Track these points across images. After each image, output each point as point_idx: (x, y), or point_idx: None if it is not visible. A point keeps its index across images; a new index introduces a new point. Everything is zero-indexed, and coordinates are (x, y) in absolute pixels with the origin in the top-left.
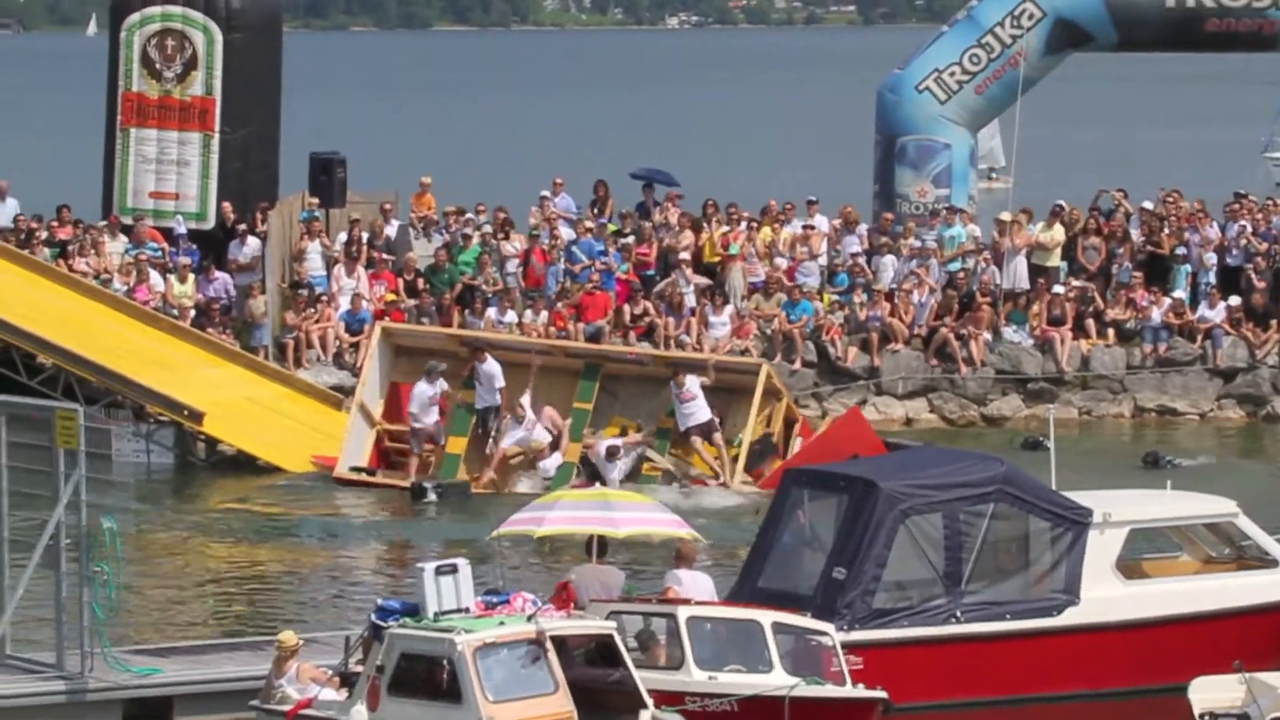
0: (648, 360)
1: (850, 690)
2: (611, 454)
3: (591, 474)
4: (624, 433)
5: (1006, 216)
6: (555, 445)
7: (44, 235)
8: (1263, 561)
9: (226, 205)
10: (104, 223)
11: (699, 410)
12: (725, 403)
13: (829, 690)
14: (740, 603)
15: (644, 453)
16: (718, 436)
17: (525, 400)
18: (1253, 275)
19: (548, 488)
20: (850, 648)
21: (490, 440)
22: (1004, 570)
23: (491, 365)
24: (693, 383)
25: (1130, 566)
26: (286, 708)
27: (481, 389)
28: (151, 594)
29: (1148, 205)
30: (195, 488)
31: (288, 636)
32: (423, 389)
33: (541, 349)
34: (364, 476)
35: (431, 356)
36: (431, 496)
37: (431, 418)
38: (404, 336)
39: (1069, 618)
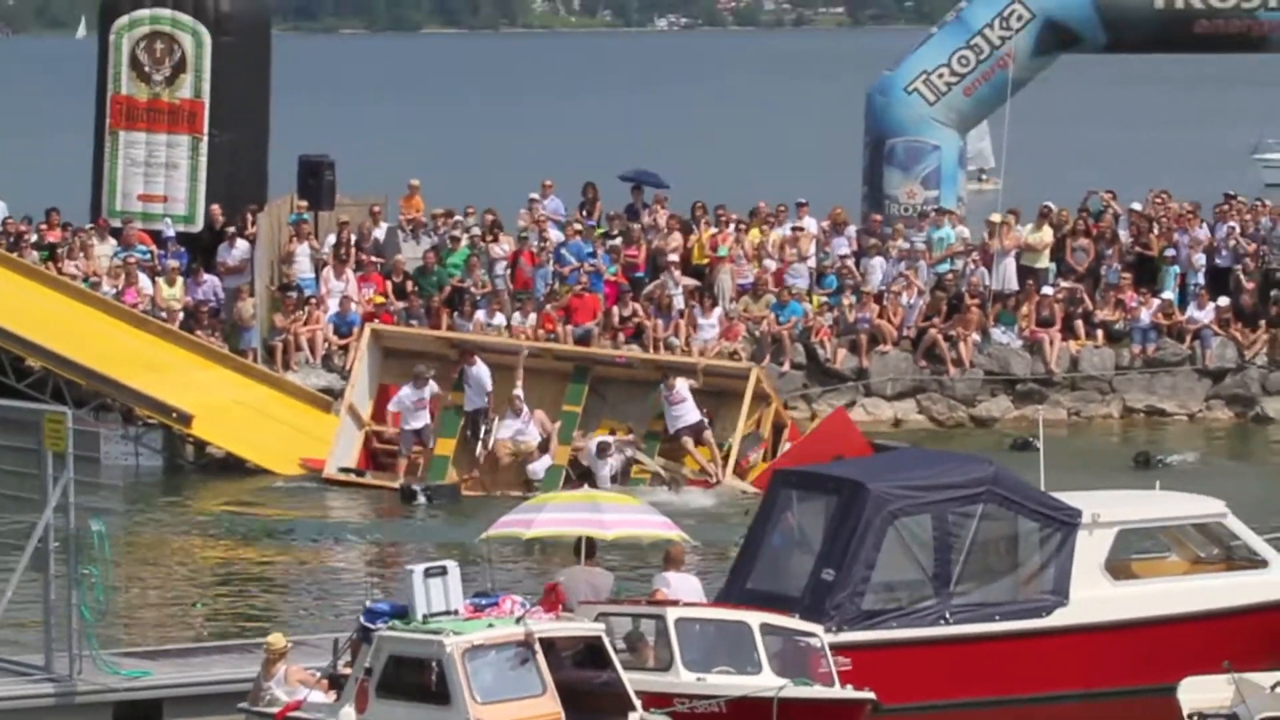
0: (637, 364)
1: (838, 691)
2: (602, 451)
3: (582, 476)
4: (613, 434)
5: (996, 218)
6: (544, 448)
7: (33, 238)
8: (1251, 562)
9: (216, 208)
10: (92, 225)
11: (688, 412)
12: (714, 406)
13: (817, 691)
14: (729, 604)
15: (633, 455)
16: (708, 435)
17: (518, 392)
18: (1241, 276)
19: (536, 490)
20: (839, 649)
21: (479, 442)
22: (993, 571)
23: (480, 369)
24: (682, 385)
25: (1119, 567)
26: (275, 710)
27: (470, 391)
28: (140, 596)
29: (1136, 206)
30: (184, 490)
31: (276, 639)
32: (407, 394)
33: (531, 350)
34: (353, 477)
35: (420, 359)
36: (421, 499)
37: (420, 421)
38: (393, 339)
39: (1058, 618)
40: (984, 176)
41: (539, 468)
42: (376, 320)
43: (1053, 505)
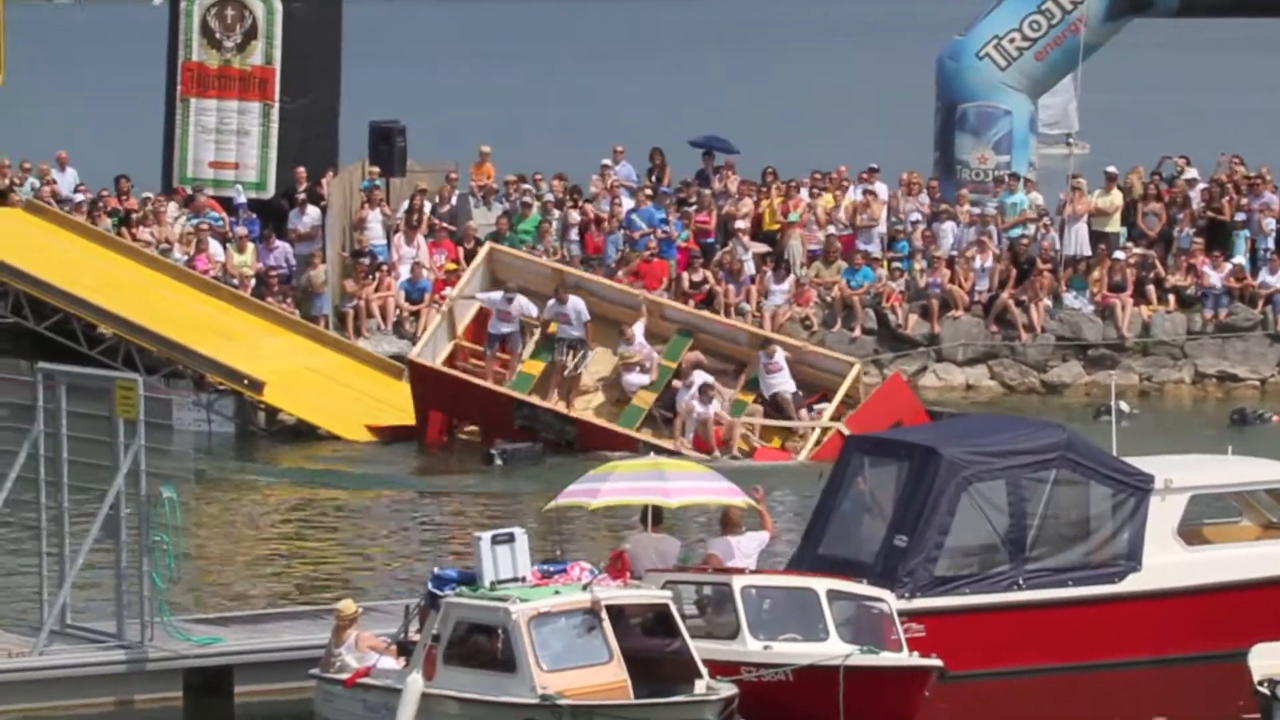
0: (743, 338)
1: (906, 658)
2: (704, 392)
3: (665, 421)
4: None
5: (1082, 181)
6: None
7: (107, 205)
8: None
9: (301, 171)
10: (164, 194)
11: (784, 381)
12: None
13: (883, 659)
14: (798, 570)
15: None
16: (799, 410)
17: (638, 327)
18: None
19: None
20: (913, 615)
21: (571, 366)
22: (1066, 537)
23: (576, 301)
24: (780, 355)
25: (1191, 532)
26: (345, 676)
27: (564, 325)
28: (211, 563)
29: (1192, 175)
30: (256, 457)
31: (346, 605)
32: (496, 298)
33: (647, 301)
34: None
35: (527, 289)
36: (499, 461)
37: (506, 328)
38: (507, 262)
39: (1131, 584)
40: (1072, 141)
41: (635, 380)
42: (448, 288)
43: (1125, 471)
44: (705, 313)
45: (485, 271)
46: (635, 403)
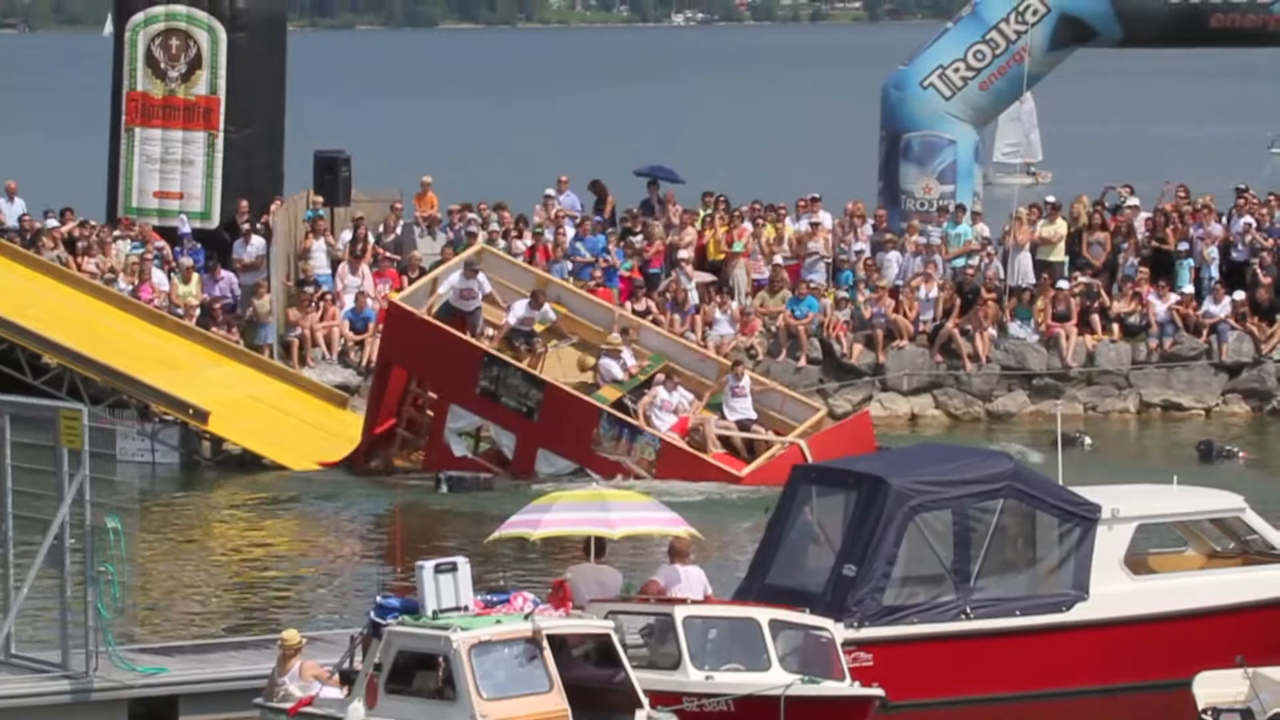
0: (713, 370)
1: (846, 688)
2: (671, 378)
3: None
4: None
5: (1022, 212)
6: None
7: (53, 234)
8: (1269, 556)
9: (244, 204)
10: (110, 223)
11: (747, 409)
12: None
13: (824, 689)
14: (741, 600)
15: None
16: (755, 434)
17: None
18: (1258, 270)
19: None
20: (861, 644)
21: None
22: (1013, 566)
23: (548, 309)
24: (747, 380)
25: (1137, 561)
26: (289, 705)
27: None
28: (156, 593)
29: (1134, 203)
30: (200, 487)
31: (290, 635)
32: (456, 279)
33: (622, 320)
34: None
35: (509, 291)
36: (443, 489)
37: (471, 305)
38: (493, 264)
39: (1079, 613)
40: (1034, 170)
41: (612, 367)
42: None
43: (1072, 500)
44: (679, 338)
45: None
46: (603, 392)
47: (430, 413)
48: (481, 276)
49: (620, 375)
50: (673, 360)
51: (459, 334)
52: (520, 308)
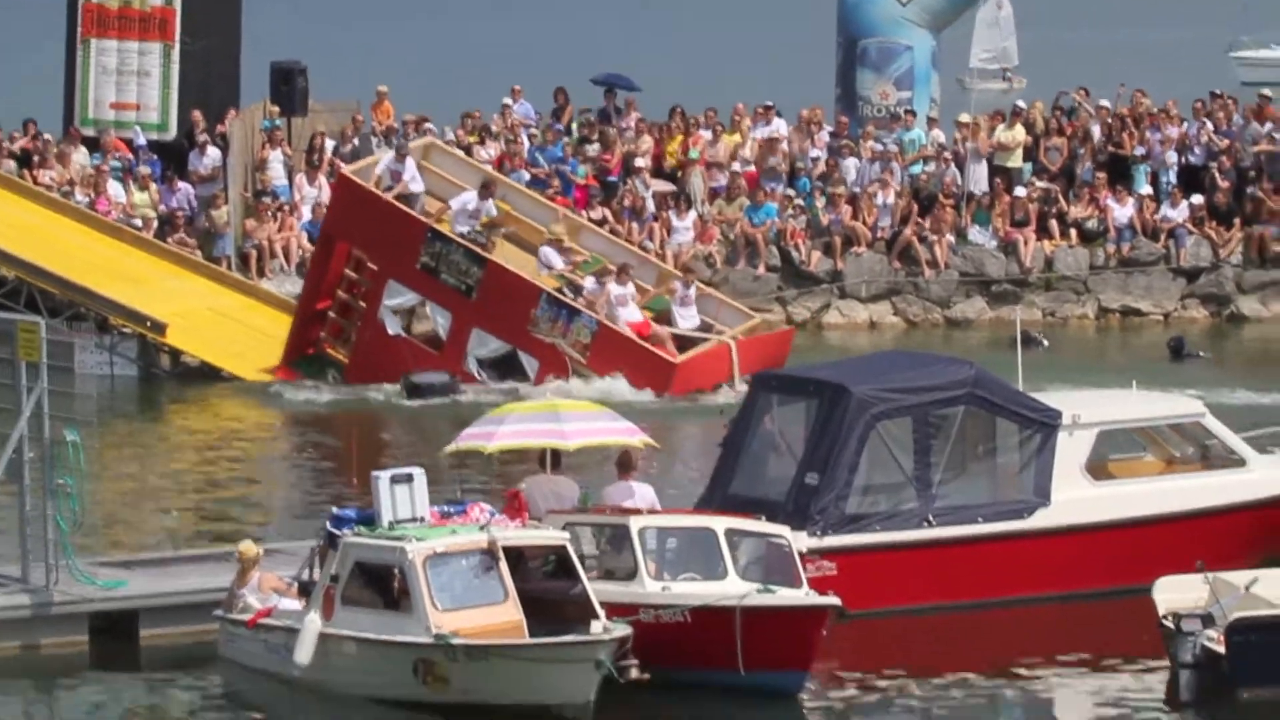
0: (653, 274)
1: (803, 597)
2: (624, 271)
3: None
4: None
5: (966, 118)
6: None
7: (8, 146)
8: (1228, 461)
9: (197, 114)
10: (65, 135)
11: (691, 317)
12: None
13: (780, 598)
14: (702, 510)
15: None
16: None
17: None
18: (1216, 174)
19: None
20: (825, 553)
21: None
22: (975, 473)
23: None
24: (693, 291)
25: (1098, 467)
26: (247, 617)
27: (463, 216)
28: (116, 507)
29: (1105, 104)
30: (159, 399)
31: (248, 547)
32: (387, 158)
33: (567, 216)
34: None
35: (454, 184)
36: (407, 400)
37: (397, 186)
38: (439, 161)
39: (1040, 520)
40: (1009, 75)
41: (552, 257)
42: None
43: (1033, 406)
44: (621, 242)
45: (425, 153)
46: (540, 280)
47: (363, 304)
48: (410, 163)
49: (560, 265)
50: (611, 263)
51: (405, 208)
52: (469, 197)
